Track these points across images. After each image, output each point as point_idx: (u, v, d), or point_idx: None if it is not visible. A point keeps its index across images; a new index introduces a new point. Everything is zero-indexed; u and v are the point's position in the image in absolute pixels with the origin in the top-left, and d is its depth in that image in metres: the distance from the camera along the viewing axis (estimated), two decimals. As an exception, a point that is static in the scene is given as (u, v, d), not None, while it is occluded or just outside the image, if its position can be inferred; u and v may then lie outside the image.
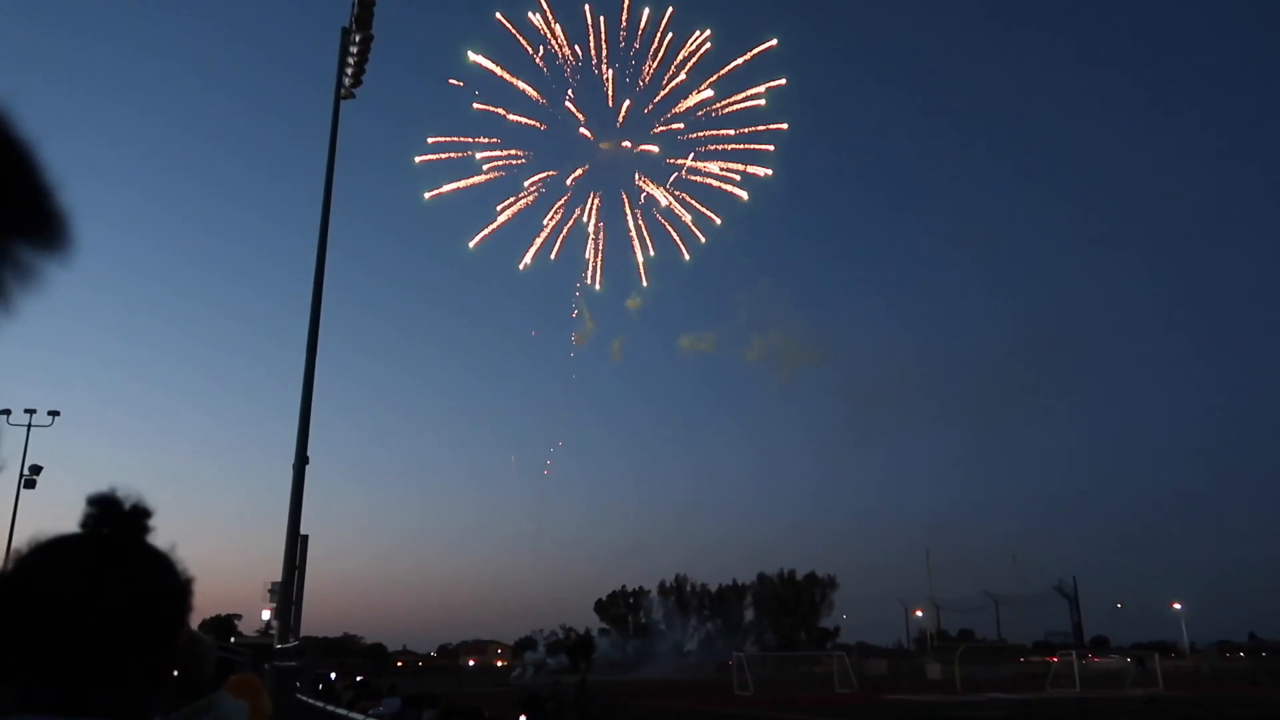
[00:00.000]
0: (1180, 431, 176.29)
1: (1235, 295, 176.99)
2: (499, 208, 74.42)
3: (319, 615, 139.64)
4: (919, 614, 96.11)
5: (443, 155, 69.85)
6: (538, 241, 76.92)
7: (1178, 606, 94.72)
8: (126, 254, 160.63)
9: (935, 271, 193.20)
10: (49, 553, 1.16)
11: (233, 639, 34.45)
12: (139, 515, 1.23)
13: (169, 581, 1.23)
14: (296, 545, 16.81)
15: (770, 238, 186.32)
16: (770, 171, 72.84)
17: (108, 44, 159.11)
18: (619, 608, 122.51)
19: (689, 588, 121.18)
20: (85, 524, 1.21)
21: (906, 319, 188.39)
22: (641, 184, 76.72)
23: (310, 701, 16.72)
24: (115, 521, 1.21)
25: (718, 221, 75.62)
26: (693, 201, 74.95)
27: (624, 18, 69.64)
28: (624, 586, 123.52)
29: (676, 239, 76.58)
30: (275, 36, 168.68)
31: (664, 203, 76.17)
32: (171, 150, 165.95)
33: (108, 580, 1.14)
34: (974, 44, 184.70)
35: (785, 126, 72.46)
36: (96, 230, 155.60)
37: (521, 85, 68.56)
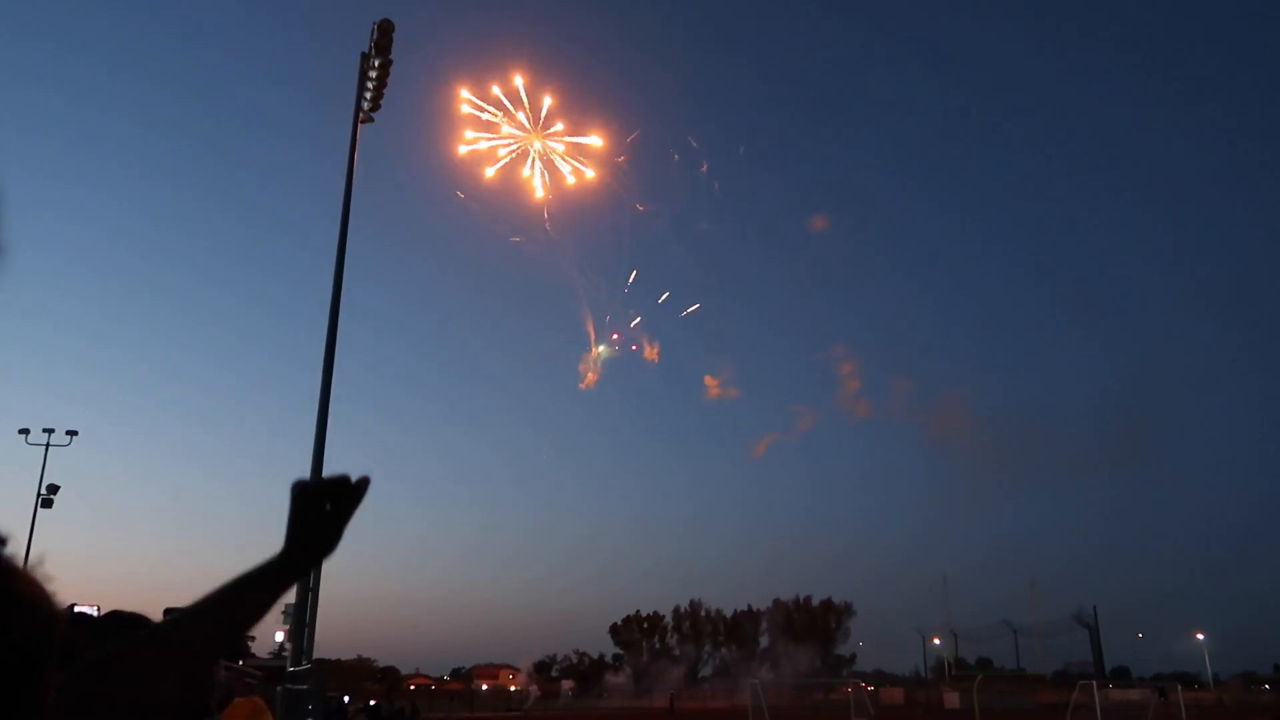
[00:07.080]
0: (1213, 464, 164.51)
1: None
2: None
3: (332, 638, 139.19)
4: (936, 642, 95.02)
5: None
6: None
7: (1201, 637, 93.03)
8: (145, 277, 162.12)
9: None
10: None
11: (240, 661, 34.30)
12: None
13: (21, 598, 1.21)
14: (310, 566, 16.79)
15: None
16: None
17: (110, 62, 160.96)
18: (633, 632, 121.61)
19: (704, 613, 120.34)
20: None
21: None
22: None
23: (321, 724, 16.63)
24: None
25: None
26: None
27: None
28: (638, 611, 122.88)
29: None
30: (295, 61, 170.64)
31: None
32: (193, 174, 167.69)
33: None
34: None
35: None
36: (111, 252, 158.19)
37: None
